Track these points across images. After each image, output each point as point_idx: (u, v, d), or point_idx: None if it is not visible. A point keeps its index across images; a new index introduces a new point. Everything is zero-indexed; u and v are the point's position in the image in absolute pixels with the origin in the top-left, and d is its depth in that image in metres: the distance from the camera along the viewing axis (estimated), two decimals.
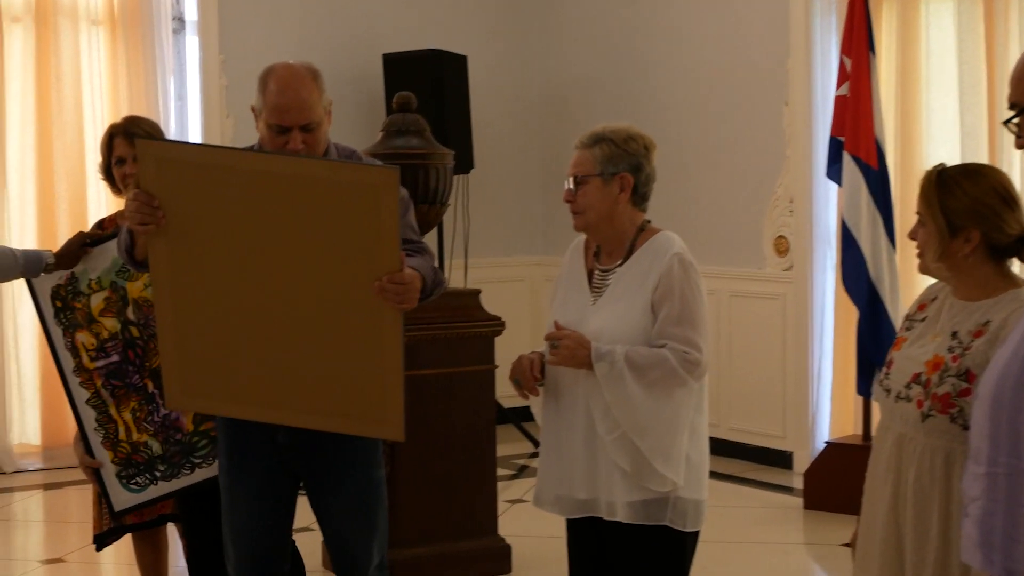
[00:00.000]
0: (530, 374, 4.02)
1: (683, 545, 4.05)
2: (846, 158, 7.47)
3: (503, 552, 6.45)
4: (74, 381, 4.70)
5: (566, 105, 10.17)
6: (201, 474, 4.65)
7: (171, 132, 9.12)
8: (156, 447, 4.68)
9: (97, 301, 4.66)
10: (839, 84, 7.60)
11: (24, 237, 8.84)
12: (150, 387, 4.66)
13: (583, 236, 4.19)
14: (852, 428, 8.19)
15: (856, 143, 7.43)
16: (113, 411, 4.71)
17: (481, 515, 6.38)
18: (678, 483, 3.93)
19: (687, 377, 3.92)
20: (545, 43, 10.32)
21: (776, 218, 8.66)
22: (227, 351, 3.95)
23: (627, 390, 3.88)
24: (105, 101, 9.01)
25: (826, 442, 8.02)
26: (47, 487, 8.49)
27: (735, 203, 8.90)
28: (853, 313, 7.88)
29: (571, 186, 4.03)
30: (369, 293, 3.74)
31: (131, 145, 5.04)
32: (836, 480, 7.54)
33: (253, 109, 4.08)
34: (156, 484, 4.71)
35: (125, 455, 4.72)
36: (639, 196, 4.06)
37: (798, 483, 8.15)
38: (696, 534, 4.09)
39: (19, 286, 8.75)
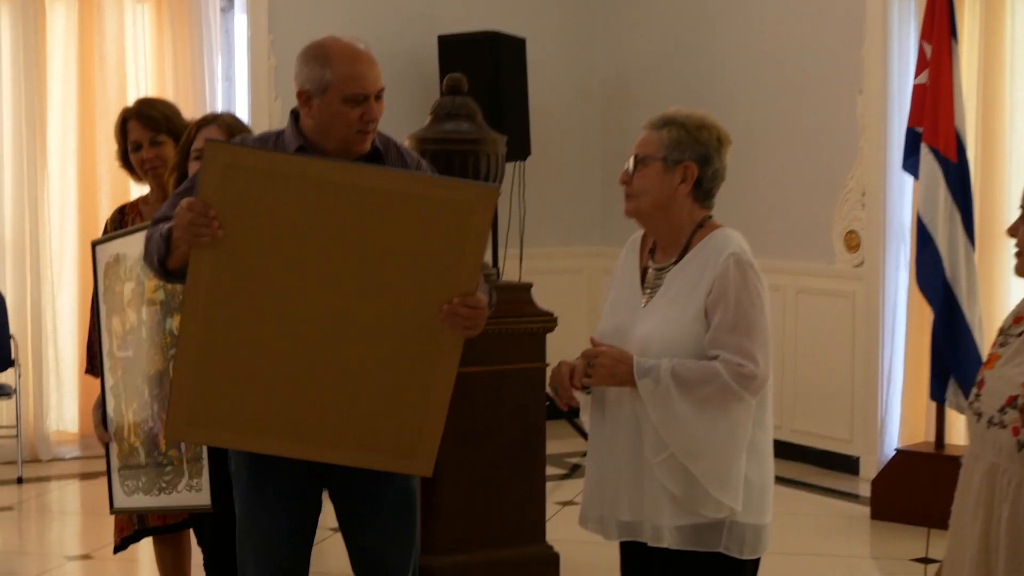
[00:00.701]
0: (568, 383, 3.68)
1: (740, 574, 3.68)
2: (924, 150, 7.11)
3: (551, 560, 6.12)
4: (107, 363, 4.49)
5: (628, 91, 9.83)
6: (163, 500, 4.40)
7: (218, 112, 8.85)
8: (143, 456, 4.44)
9: (127, 290, 4.41)
10: (918, 72, 7.24)
11: (64, 219, 8.65)
12: (146, 394, 4.39)
13: (641, 231, 3.84)
14: (923, 434, 7.85)
15: (935, 134, 7.06)
16: (123, 406, 4.47)
17: (528, 521, 6.05)
18: (736, 509, 3.57)
19: (742, 392, 3.55)
20: (607, 26, 9.96)
21: (847, 212, 8.31)
22: (253, 378, 3.62)
23: (675, 409, 3.53)
24: (149, 81, 8.76)
25: (896, 449, 7.67)
26: (83, 476, 8.30)
27: (804, 195, 8.55)
28: (927, 313, 7.58)
29: (630, 166, 3.69)
30: (434, 317, 3.50)
31: (147, 129, 4.82)
32: (907, 490, 7.25)
33: (305, 92, 3.77)
34: (139, 493, 4.47)
35: (125, 454, 4.49)
36: (702, 192, 3.69)
37: (864, 490, 7.83)
38: (756, 562, 3.71)
39: (58, 270, 8.61)
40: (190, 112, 8.74)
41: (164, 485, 4.37)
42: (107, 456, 4.53)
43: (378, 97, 3.79)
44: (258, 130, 8.88)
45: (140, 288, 4.33)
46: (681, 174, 3.65)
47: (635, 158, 3.68)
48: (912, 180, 7.71)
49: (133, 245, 4.30)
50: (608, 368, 3.56)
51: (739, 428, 3.58)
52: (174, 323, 4.22)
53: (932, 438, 7.48)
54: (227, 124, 4.40)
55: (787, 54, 8.70)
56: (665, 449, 3.55)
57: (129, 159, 4.91)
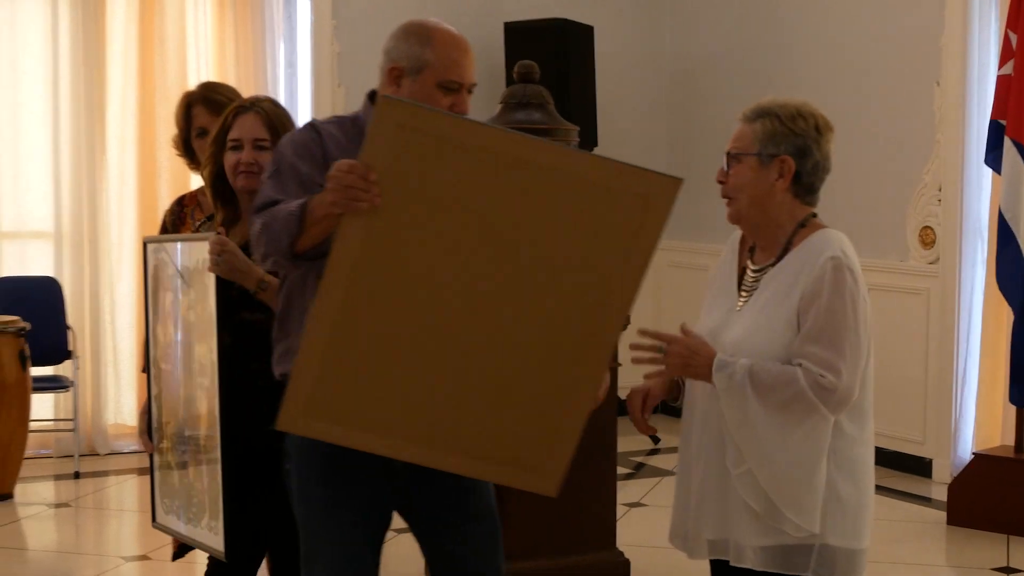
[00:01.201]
0: (640, 416, 3.53)
1: None
2: (1007, 144, 6.87)
3: (621, 567, 5.93)
4: (153, 371, 4.28)
5: (696, 81, 9.63)
6: (188, 530, 4.17)
7: (281, 100, 8.67)
8: (176, 478, 4.23)
9: (169, 300, 4.18)
10: (1002, 62, 7.00)
11: (123, 208, 8.53)
12: (181, 413, 4.17)
13: (739, 231, 3.61)
14: (999, 438, 7.62)
15: (1019, 127, 6.82)
16: (163, 421, 4.27)
17: (598, 526, 5.86)
18: (810, 529, 3.33)
19: (818, 403, 3.29)
20: (677, 14, 9.76)
21: (923, 207, 8.08)
22: (384, 370, 3.25)
23: (748, 409, 3.29)
24: (211, 67, 8.62)
25: (974, 453, 7.42)
26: (141, 471, 8.08)
27: (878, 189, 8.31)
28: (1005, 313, 7.39)
29: (725, 164, 3.47)
30: (591, 318, 3.20)
31: (214, 114, 4.59)
32: (984, 495, 7.02)
33: (398, 68, 3.54)
34: (172, 516, 4.27)
35: (164, 469, 4.30)
36: (803, 186, 3.45)
37: (938, 493, 7.64)
38: None
39: (116, 260, 8.50)
40: None
41: (191, 516, 4.16)
42: (151, 465, 4.34)
43: (469, 91, 3.59)
44: (319, 116, 8.80)
45: (177, 303, 4.11)
46: (778, 169, 3.42)
47: (728, 155, 3.46)
48: (991, 175, 7.54)
49: (174, 253, 4.12)
50: (682, 357, 3.32)
51: (814, 442, 3.34)
52: (199, 350, 4.01)
53: (1009, 442, 7.26)
54: (266, 112, 4.13)
55: (860, 44, 8.46)
56: (745, 461, 3.34)
57: (191, 145, 4.68)
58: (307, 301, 3.40)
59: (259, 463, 3.97)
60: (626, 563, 5.95)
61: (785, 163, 3.41)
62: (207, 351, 3.94)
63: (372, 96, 3.68)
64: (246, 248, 3.89)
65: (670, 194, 3.10)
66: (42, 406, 8.17)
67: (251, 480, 4.00)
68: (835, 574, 3.38)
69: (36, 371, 7.78)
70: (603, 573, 5.85)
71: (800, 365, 3.30)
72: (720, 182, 3.48)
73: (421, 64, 3.52)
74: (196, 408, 4.04)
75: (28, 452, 7.71)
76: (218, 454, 3.93)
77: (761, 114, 3.45)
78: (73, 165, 8.41)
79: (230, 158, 4.07)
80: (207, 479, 4.02)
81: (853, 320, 3.35)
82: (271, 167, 3.61)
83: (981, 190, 7.83)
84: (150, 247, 4.25)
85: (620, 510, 6.23)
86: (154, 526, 4.39)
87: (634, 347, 3.34)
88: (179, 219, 4.70)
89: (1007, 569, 6.41)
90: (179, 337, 4.10)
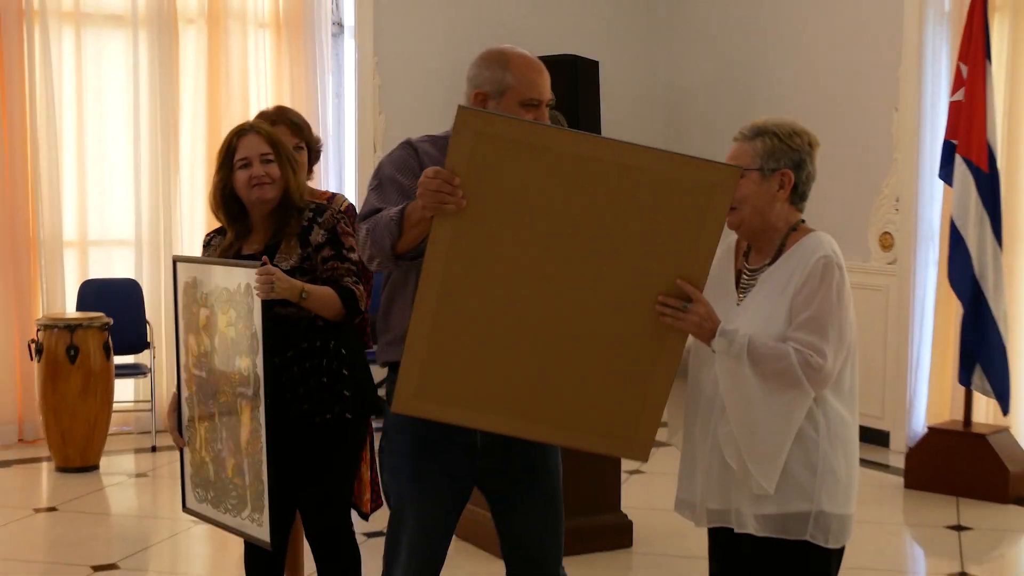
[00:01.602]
0: None
1: (827, 562, 3.30)
2: (958, 161, 6.77)
3: (625, 528, 5.80)
4: (183, 375, 4.14)
5: (690, 105, 9.50)
6: (228, 519, 4.06)
7: (328, 127, 8.69)
8: (212, 471, 4.10)
9: (203, 316, 4.03)
10: (954, 90, 6.89)
11: (194, 219, 8.42)
12: (216, 417, 4.05)
13: (734, 236, 3.45)
14: (948, 414, 7.54)
15: (969, 147, 6.73)
16: (196, 420, 4.13)
17: (604, 490, 5.73)
18: (769, 490, 3.17)
19: (803, 379, 3.14)
20: (671, 48, 9.64)
21: (882, 215, 7.98)
22: (485, 354, 3.14)
23: (742, 373, 3.13)
24: (269, 97, 8.51)
25: (928, 427, 7.30)
26: None
27: (844, 199, 8.17)
28: (953, 306, 7.33)
29: None
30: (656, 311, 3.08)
31: (294, 134, 4.44)
32: (937, 463, 6.95)
33: (483, 93, 3.43)
34: (207, 504, 4.15)
35: (196, 464, 4.17)
36: (797, 195, 3.31)
37: (895, 461, 7.56)
38: (841, 550, 3.32)
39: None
40: None
41: (230, 507, 4.04)
42: (181, 459, 4.22)
43: (548, 105, 3.49)
44: (363, 139, 8.69)
45: (214, 319, 3.97)
46: (779, 181, 3.27)
47: None
48: (941, 187, 7.45)
49: (209, 274, 3.98)
50: (700, 317, 3.10)
51: (790, 414, 3.17)
52: (241, 363, 3.89)
53: (958, 417, 7.17)
54: (265, 131, 4.04)
55: (831, 74, 8.35)
56: (729, 422, 3.19)
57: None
58: (409, 297, 3.33)
59: (293, 461, 3.94)
60: (629, 524, 5.83)
61: (786, 176, 3.26)
62: (250, 364, 3.84)
63: None
64: (266, 251, 3.89)
65: (732, 182, 2.96)
66: (124, 390, 8.09)
67: (288, 477, 3.95)
68: (829, 536, 3.23)
69: (118, 360, 7.69)
70: (609, 533, 5.73)
71: (792, 345, 3.17)
72: None
73: (503, 87, 3.42)
74: (238, 414, 3.92)
75: (112, 430, 7.64)
76: (263, 456, 3.84)
77: (759, 132, 3.29)
78: (151, 182, 8.32)
79: (241, 176, 3.98)
80: (249, 477, 3.92)
81: (838, 310, 3.21)
82: (373, 181, 3.51)
83: (933, 200, 7.74)
84: (181, 266, 4.12)
85: (623, 476, 6.10)
86: (184, 511, 4.27)
87: (663, 299, 3.10)
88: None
89: (958, 527, 6.29)
90: (218, 348, 3.97)
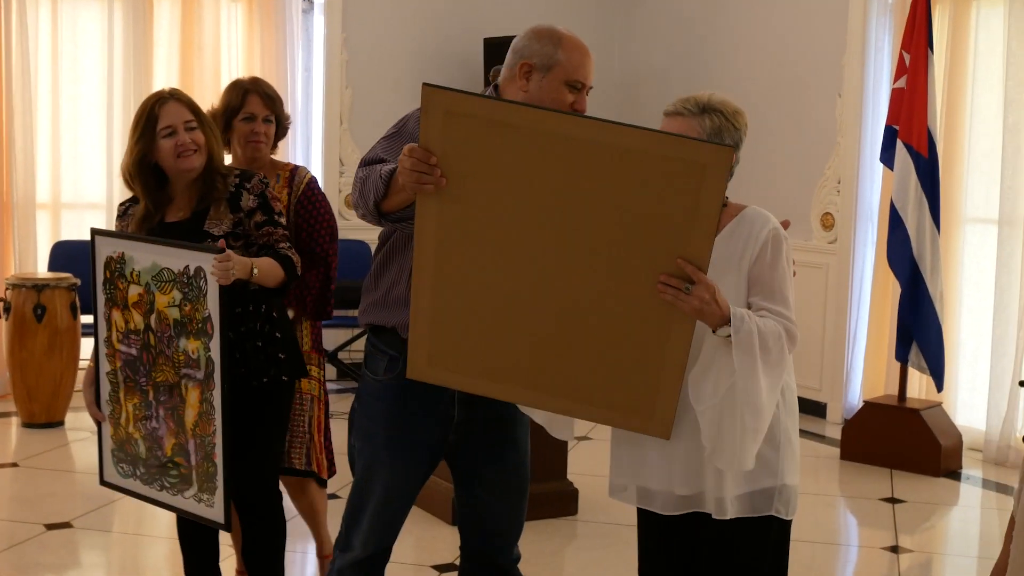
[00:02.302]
0: None
1: (787, 534, 2.98)
2: (899, 146, 6.44)
3: (571, 495, 5.44)
4: (103, 350, 3.71)
5: (640, 90, 9.10)
6: (167, 498, 3.68)
7: (297, 101, 8.24)
8: (143, 449, 3.70)
9: (133, 292, 3.60)
10: (896, 77, 6.55)
11: None
12: (151, 395, 3.63)
13: None
14: (883, 388, 7.22)
15: (910, 133, 6.39)
16: (122, 396, 3.70)
17: (551, 458, 5.33)
18: (747, 466, 2.78)
19: (788, 351, 2.81)
20: (625, 34, 9.20)
21: (824, 196, 7.64)
22: (487, 325, 2.81)
23: (752, 357, 2.72)
24: (241, 71, 8.04)
25: (864, 401, 6.97)
26: None
27: (788, 181, 7.85)
28: (889, 285, 7.06)
29: None
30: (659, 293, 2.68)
31: (265, 105, 4.12)
32: (872, 435, 6.63)
33: (529, 65, 3.09)
34: (135, 480, 3.75)
35: (120, 440, 3.74)
36: (731, 173, 2.86)
37: (831, 432, 7.26)
38: (790, 521, 2.99)
39: None
40: None
41: (168, 485, 3.65)
42: (99, 432, 3.80)
43: (587, 92, 3.16)
44: (331, 113, 8.26)
45: (149, 297, 3.54)
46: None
47: None
48: (881, 171, 7.17)
49: (142, 251, 3.55)
50: (702, 301, 2.63)
51: (779, 387, 2.82)
52: (188, 344, 3.50)
53: (893, 392, 6.86)
54: (185, 97, 3.64)
55: (778, 61, 7.98)
56: (715, 396, 2.75)
57: (231, 123, 4.13)
58: (406, 260, 3.04)
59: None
60: (575, 492, 5.46)
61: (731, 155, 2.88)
62: (199, 347, 3.46)
63: (495, 88, 3.22)
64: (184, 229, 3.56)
65: (725, 161, 2.54)
66: (90, 348, 7.61)
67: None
68: (789, 509, 2.91)
69: (87, 319, 7.24)
70: (554, 501, 5.35)
71: (777, 320, 2.79)
72: None
73: (552, 63, 3.09)
74: (182, 395, 3.54)
75: (77, 386, 7.15)
76: (216, 439, 3.48)
77: (706, 109, 2.90)
78: (122, 148, 7.73)
79: (166, 145, 3.57)
80: (196, 457, 3.56)
81: (790, 280, 2.90)
82: (392, 128, 3.13)
83: (873, 183, 7.46)
84: (100, 239, 3.67)
85: (569, 443, 5.73)
86: (102, 484, 3.86)
87: (664, 279, 2.64)
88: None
89: (892, 499, 5.97)
90: (154, 327, 3.56)
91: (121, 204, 3.81)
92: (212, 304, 3.43)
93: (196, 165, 3.60)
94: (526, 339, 2.78)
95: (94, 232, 3.69)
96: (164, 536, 5.10)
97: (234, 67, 8.05)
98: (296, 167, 4.28)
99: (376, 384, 3.20)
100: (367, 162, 3.07)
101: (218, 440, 3.48)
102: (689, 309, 2.64)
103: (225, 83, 7.72)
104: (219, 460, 3.50)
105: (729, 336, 2.70)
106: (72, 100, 7.89)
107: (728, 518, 2.85)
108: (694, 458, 2.86)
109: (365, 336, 3.28)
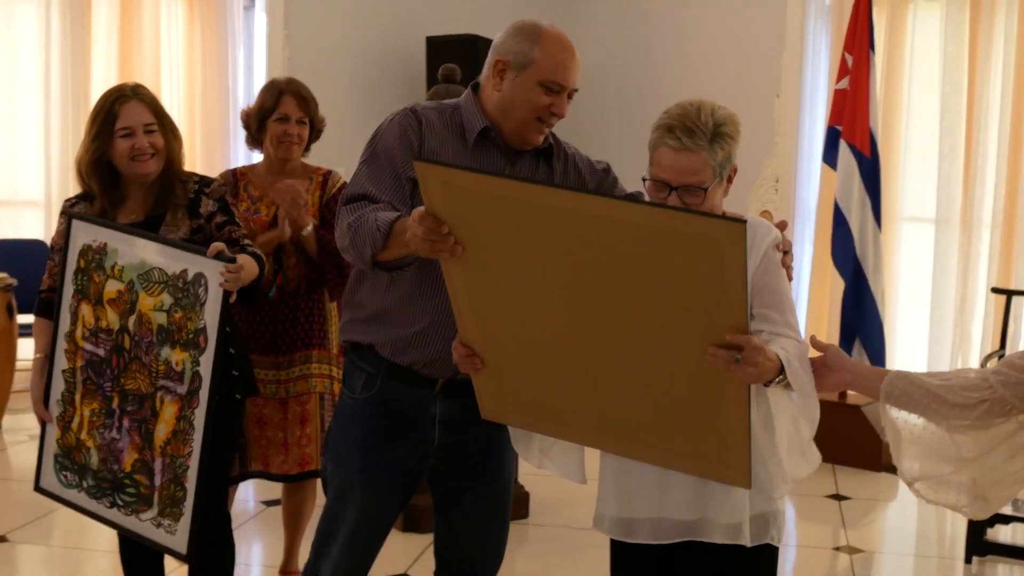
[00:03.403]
0: None
1: (775, 564, 2.65)
2: (842, 146, 6.24)
3: (522, 499, 5.13)
4: (61, 345, 3.29)
5: (583, 88, 8.80)
6: (117, 516, 3.26)
7: (239, 97, 7.84)
8: (95, 460, 3.28)
9: (111, 288, 3.21)
10: (839, 78, 6.34)
11: None
12: (115, 402, 3.23)
13: None
14: None
15: (852, 133, 6.18)
16: (78, 398, 3.29)
17: None
18: (746, 486, 2.46)
19: None
20: (566, 31, 8.89)
21: (763, 195, 7.43)
22: (541, 377, 2.50)
23: (804, 382, 2.42)
24: (181, 67, 7.68)
25: None
26: None
27: None
28: (827, 282, 6.86)
29: (685, 199, 2.45)
30: (704, 355, 2.28)
31: (300, 107, 3.91)
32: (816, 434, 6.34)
33: (503, 62, 2.75)
34: (79, 492, 3.33)
35: (68, 446, 3.32)
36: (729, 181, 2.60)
37: None
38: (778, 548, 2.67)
39: None
40: (215, 95, 7.79)
41: (121, 503, 3.23)
42: (42, 433, 3.37)
43: (570, 96, 2.80)
44: None
45: (131, 297, 3.16)
46: (729, 176, 2.56)
47: (688, 188, 2.45)
48: (818, 169, 6.96)
49: (130, 246, 3.17)
50: (758, 364, 2.22)
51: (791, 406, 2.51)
52: (172, 355, 3.12)
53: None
54: (149, 98, 3.30)
55: (717, 62, 7.76)
56: (792, 436, 2.46)
57: (264, 123, 3.92)
58: (378, 275, 2.73)
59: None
60: (526, 495, 5.16)
61: (734, 169, 2.56)
62: (185, 359, 3.08)
63: (475, 87, 2.85)
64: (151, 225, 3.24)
65: (739, 237, 2.11)
66: (29, 349, 7.17)
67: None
68: (782, 533, 2.60)
69: (23, 319, 6.80)
70: None
71: (791, 341, 2.46)
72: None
73: (527, 61, 2.74)
74: (155, 408, 3.15)
75: (15, 388, 6.75)
76: (192, 462, 3.10)
77: (716, 137, 2.47)
78: (61, 144, 7.39)
79: (123, 145, 3.22)
80: (162, 478, 3.15)
81: (789, 287, 2.60)
82: (368, 150, 2.77)
83: (811, 182, 7.30)
84: (79, 225, 3.27)
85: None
86: (37, 489, 3.42)
87: (712, 352, 2.23)
88: (235, 189, 3.93)
89: (837, 496, 5.76)
90: (132, 330, 3.17)
91: (67, 200, 3.43)
92: (210, 316, 3.05)
93: (151, 171, 3.26)
94: (587, 392, 2.47)
95: (71, 216, 3.29)
96: (106, 550, 4.71)
97: (174, 64, 7.66)
98: (329, 171, 4.05)
99: (353, 403, 2.87)
100: (353, 198, 2.71)
101: (193, 463, 3.09)
102: (746, 377, 2.25)
103: (165, 80, 7.47)
104: (190, 485, 3.10)
105: (782, 381, 2.36)
106: (7, 96, 7.44)
107: (738, 542, 2.52)
108: (692, 482, 2.54)
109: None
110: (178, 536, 3.14)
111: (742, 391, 2.32)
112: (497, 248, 2.35)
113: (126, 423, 3.20)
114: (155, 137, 3.24)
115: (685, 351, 2.29)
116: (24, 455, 6.19)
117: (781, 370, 2.32)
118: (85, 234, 3.25)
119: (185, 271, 3.08)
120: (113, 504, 3.25)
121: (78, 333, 3.27)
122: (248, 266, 3.15)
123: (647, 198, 2.84)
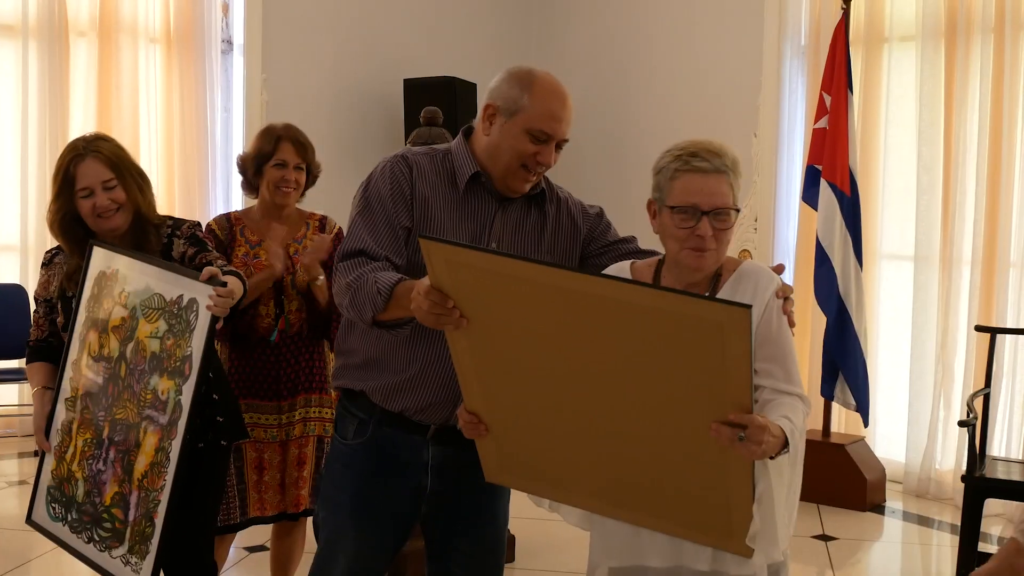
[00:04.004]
0: None
1: None
2: (823, 184, 6.23)
3: (508, 543, 5.04)
4: (68, 373, 3.22)
5: None
6: (91, 552, 3.14)
7: (217, 141, 7.77)
8: (81, 492, 3.20)
9: (116, 315, 3.16)
10: (818, 118, 6.33)
11: None
12: (105, 432, 3.15)
13: (627, 264, 2.66)
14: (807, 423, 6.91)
15: (832, 172, 6.17)
16: (74, 428, 3.22)
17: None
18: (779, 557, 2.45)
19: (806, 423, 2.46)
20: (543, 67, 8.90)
21: (742, 234, 7.38)
22: (544, 443, 2.47)
23: (799, 453, 2.38)
24: (159, 111, 7.61)
25: None
26: None
27: None
28: (808, 320, 6.87)
29: (715, 224, 2.42)
30: (707, 430, 2.25)
31: (298, 152, 3.92)
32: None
33: (492, 107, 2.72)
34: (64, 525, 3.23)
35: (61, 477, 3.24)
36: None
37: None
38: None
39: None
40: (194, 139, 7.73)
41: (97, 539, 3.13)
42: (40, 464, 3.29)
43: (558, 146, 2.75)
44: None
45: (132, 324, 3.11)
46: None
47: (716, 211, 2.42)
48: (797, 208, 7.02)
49: (138, 271, 3.12)
50: (763, 441, 2.17)
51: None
52: (159, 383, 3.04)
53: (815, 427, 6.61)
54: (104, 152, 3.22)
55: (694, 102, 7.77)
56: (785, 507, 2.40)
57: (261, 169, 3.93)
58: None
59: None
60: (512, 539, 5.07)
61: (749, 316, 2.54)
62: (171, 388, 3.00)
63: (467, 132, 2.82)
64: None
65: (743, 322, 2.09)
66: (8, 394, 7.14)
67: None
68: None
69: (3, 364, 6.72)
70: None
71: (794, 399, 2.42)
72: (702, 243, 2.46)
73: (516, 108, 2.70)
74: (138, 439, 3.06)
75: None
76: (164, 496, 2.99)
77: (733, 166, 2.47)
78: (39, 188, 7.27)
79: (85, 205, 3.19)
80: (135, 513, 3.05)
81: (792, 339, 2.54)
82: (361, 202, 2.70)
83: (790, 221, 7.27)
84: (100, 251, 3.22)
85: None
86: (28, 523, 3.32)
87: (716, 427, 2.19)
88: (230, 235, 3.91)
89: (824, 536, 5.70)
90: (128, 357, 3.11)
91: (48, 252, 3.40)
92: (196, 342, 2.99)
93: (118, 224, 3.22)
94: (588, 461, 2.46)
95: (92, 243, 3.23)
96: None
97: (153, 108, 7.59)
98: (324, 216, 4.08)
99: (345, 448, 2.82)
100: (350, 254, 2.66)
101: (164, 498, 3.00)
102: (750, 455, 2.20)
103: (144, 124, 7.40)
104: (159, 520, 3.00)
105: (786, 454, 2.31)
106: None
107: None
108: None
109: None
110: (141, 575, 3.03)
111: (746, 465, 2.29)
112: (502, 322, 2.34)
113: (112, 454, 3.12)
114: (116, 192, 3.19)
115: (689, 426, 2.27)
116: (7, 501, 6.08)
117: (786, 444, 2.27)
118: (102, 261, 3.21)
119: (180, 296, 3.04)
120: (90, 539, 3.15)
121: (83, 361, 3.20)
122: (236, 289, 3.10)
123: (638, 243, 2.84)
